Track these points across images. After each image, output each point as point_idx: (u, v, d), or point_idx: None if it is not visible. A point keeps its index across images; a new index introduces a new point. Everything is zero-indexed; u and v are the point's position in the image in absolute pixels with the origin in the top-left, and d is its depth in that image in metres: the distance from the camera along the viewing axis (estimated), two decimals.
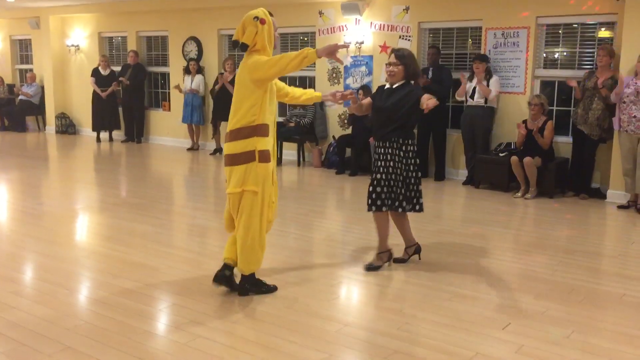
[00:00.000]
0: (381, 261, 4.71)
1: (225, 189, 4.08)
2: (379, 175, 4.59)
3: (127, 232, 5.72)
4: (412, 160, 4.60)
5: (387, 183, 4.56)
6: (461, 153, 8.58)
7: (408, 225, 4.84)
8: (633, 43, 6.93)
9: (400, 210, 4.59)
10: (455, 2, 8.51)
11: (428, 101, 4.39)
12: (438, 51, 8.55)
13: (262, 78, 3.88)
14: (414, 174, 4.62)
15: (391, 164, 4.56)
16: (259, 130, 3.90)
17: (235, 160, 3.90)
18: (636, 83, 6.67)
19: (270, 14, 4.05)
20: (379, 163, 4.60)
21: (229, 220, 4.13)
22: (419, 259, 4.91)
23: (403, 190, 4.57)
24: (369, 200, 4.62)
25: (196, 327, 3.58)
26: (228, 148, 3.95)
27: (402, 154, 4.56)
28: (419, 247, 4.91)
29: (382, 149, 4.60)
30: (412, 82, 4.63)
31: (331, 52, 3.83)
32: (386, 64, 4.68)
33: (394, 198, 4.58)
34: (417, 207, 4.68)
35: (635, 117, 6.68)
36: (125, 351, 3.26)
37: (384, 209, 4.58)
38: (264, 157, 3.91)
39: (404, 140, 4.57)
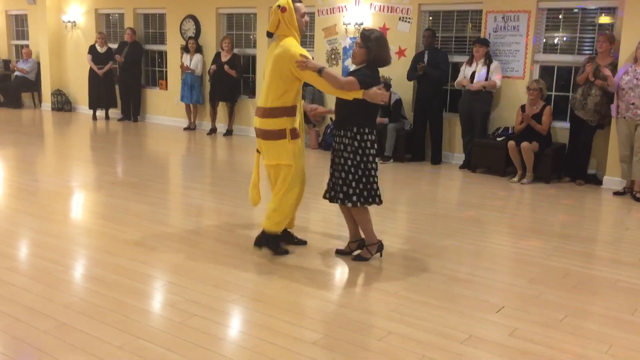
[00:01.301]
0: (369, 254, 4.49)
1: (260, 158, 4.56)
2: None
3: (123, 211, 5.71)
4: (350, 151, 4.25)
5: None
6: (458, 137, 8.57)
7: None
8: (633, 29, 6.90)
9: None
10: None
11: (313, 111, 4.63)
12: (433, 34, 8.49)
13: (307, 80, 4.25)
14: (354, 163, 4.26)
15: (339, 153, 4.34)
16: (290, 111, 4.29)
17: (268, 135, 4.31)
18: (635, 70, 6.65)
19: (297, 0, 4.31)
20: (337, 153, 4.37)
21: (254, 192, 4.64)
22: (380, 256, 4.55)
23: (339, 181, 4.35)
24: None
25: (191, 306, 3.59)
26: (261, 123, 4.34)
27: (349, 142, 4.25)
28: (362, 244, 4.53)
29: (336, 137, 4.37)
30: (378, 67, 4.33)
31: (376, 99, 4.15)
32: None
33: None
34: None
35: (633, 104, 6.67)
36: (121, 329, 3.27)
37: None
38: (294, 134, 4.32)
39: (354, 128, 4.24)
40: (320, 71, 4.18)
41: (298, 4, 4.30)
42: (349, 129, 4.25)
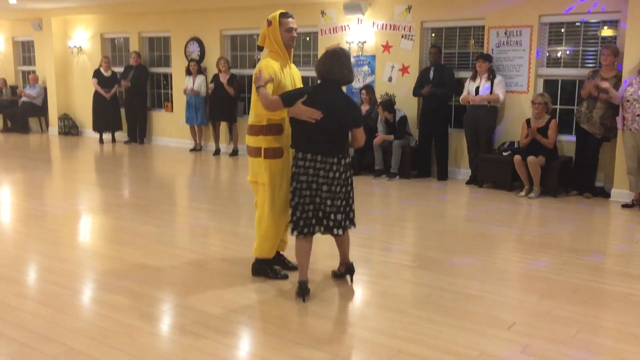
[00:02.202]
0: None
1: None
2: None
3: (130, 233, 5.71)
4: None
5: None
6: (464, 152, 8.56)
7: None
8: (636, 41, 6.91)
9: None
10: (458, 1, 8.50)
11: None
12: (439, 51, 8.53)
13: (255, 96, 4.10)
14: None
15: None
16: (266, 129, 4.16)
17: (249, 151, 4.31)
18: (639, 81, 6.64)
19: (286, 15, 4.24)
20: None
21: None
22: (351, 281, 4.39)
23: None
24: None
25: (200, 328, 3.57)
26: (246, 139, 4.34)
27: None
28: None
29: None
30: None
31: (302, 116, 3.91)
32: None
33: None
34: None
35: (639, 115, 6.65)
36: (129, 352, 3.25)
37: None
38: (269, 153, 4.16)
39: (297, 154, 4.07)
40: (258, 88, 3.99)
41: (285, 19, 4.21)
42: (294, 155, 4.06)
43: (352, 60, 9.42)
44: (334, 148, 3.92)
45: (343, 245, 4.29)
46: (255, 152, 4.22)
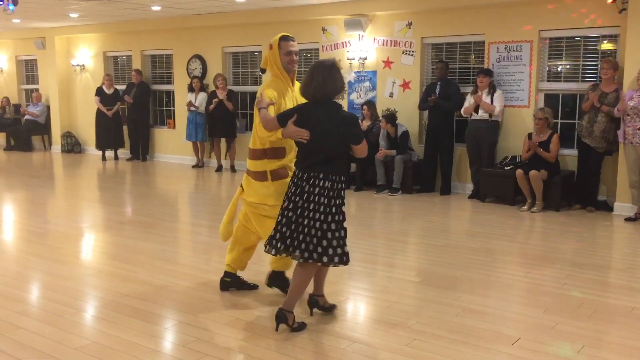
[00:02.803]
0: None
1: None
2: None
3: (133, 250, 5.71)
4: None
5: None
6: (466, 167, 8.57)
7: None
8: (636, 55, 6.94)
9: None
10: (458, 17, 8.56)
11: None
12: (446, 66, 8.56)
13: (257, 118, 4.04)
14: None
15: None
16: (270, 153, 4.09)
17: (253, 176, 4.20)
18: (639, 95, 6.66)
19: (286, 39, 4.18)
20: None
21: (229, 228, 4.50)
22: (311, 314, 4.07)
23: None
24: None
25: (203, 346, 3.56)
26: (247, 163, 4.28)
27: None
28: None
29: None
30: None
31: (291, 137, 3.79)
32: None
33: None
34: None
35: (639, 129, 6.67)
36: None
37: None
38: (275, 175, 4.11)
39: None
40: (259, 110, 3.92)
41: (285, 42, 4.14)
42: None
43: (354, 76, 9.54)
44: (325, 168, 3.69)
45: (293, 283, 3.84)
46: (260, 176, 4.12)
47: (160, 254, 5.57)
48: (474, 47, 8.71)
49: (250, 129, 11.12)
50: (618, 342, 3.65)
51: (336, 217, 3.70)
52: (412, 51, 9.01)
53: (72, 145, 13.59)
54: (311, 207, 3.67)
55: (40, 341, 3.62)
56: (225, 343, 3.62)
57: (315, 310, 4.05)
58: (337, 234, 3.69)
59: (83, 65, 13.34)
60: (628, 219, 6.90)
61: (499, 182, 7.85)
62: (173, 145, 12.10)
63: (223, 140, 10.92)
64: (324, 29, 9.84)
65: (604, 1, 7.24)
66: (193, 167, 11.33)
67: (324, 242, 3.66)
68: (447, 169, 8.62)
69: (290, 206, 3.73)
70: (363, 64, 9.47)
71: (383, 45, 9.29)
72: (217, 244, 5.95)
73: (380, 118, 8.85)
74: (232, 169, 10.78)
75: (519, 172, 7.46)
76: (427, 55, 9.05)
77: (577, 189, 7.59)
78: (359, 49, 9.46)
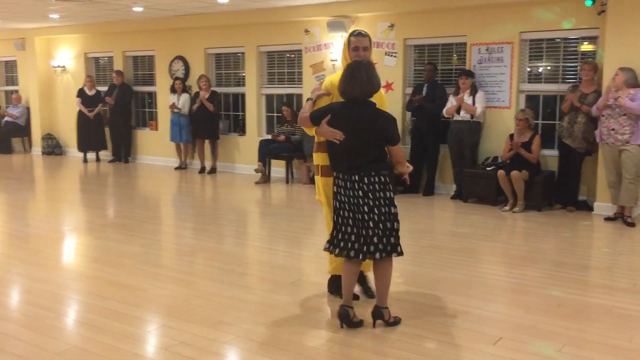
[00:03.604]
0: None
1: None
2: None
3: (115, 253, 5.66)
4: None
5: None
6: (449, 168, 8.62)
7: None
8: (614, 57, 7.03)
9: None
10: (440, 19, 8.61)
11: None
12: (435, 68, 8.57)
13: None
14: None
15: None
16: (322, 146, 4.09)
17: (314, 170, 4.34)
18: (615, 96, 6.74)
19: (353, 33, 4.13)
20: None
21: None
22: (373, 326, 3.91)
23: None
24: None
25: (186, 349, 3.54)
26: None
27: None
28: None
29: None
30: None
31: (325, 136, 3.85)
32: None
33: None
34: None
35: (613, 129, 6.75)
36: None
37: None
38: (324, 172, 4.15)
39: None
40: (307, 101, 4.09)
41: (352, 37, 4.10)
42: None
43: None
44: (363, 166, 3.71)
45: (377, 279, 3.88)
46: (315, 169, 4.29)
47: (142, 256, 5.53)
48: (456, 49, 8.77)
49: (234, 130, 11.13)
50: (598, 341, 3.70)
51: (384, 210, 3.73)
52: (395, 53, 9.05)
53: (53, 147, 13.45)
54: (360, 208, 3.71)
55: (20, 346, 3.58)
56: (207, 346, 3.60)
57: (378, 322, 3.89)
58: (388, 231, 3.74)
59: (64, 66, 13.21)
60: (608, 219, 6.98)
61: (481, 183, 7.91)
62: (156, 147, 12.02)
63: (207, 142, 10.88)
64: (306, 31, 9.84)
65: (583, 3, 7.33)
66: (176, 168, 11.27)
67: (372, 239, 3.72)
68: (431, 170, 8.66)
69: (343, 206, 3.79)
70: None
71: None
72: (201, 247, 5.94)
73: None
74: (213, 170, 10.74)
75: (501, 172, 7.53)
76: (409, 57, 9.08)
77: (558, 189, 7.67)
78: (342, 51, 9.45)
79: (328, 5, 9.28)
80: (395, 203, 3.81)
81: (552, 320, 3.99)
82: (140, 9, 10.01)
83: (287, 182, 9.74)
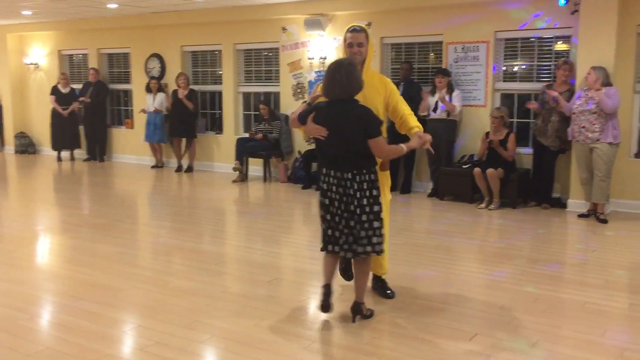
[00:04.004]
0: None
1: None
2: None
3: (90, 253, 5.60)
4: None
5: None
6: (425, 166, 8.67)
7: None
8: (587, 56, 7.13)
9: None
10: (416, 18, 8.65)
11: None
12: (411, 67, 8.62)
13: None
14: None
15: None
16: None
17: None
18: (587, 95, 6.85)
19: (348, 30, 4.10)
20: None
21: None
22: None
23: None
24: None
25: (162, 349, 3.51)
26: None
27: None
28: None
29: None
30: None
31: (311, 134, 3.90)
32: None
33: None
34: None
35: (584, 127, 6.85)
36: None
37: None
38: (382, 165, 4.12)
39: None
40: (303, 102, 4.18)
41: (347, 34, 4.08)
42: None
43: (314, 75, 9.54)
44: (347, 164, 3.77)
45: (357, 275, 3.95)
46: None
47: (118, 256, 5.47)
48: (433, 48, 8.82)
49: (211, 129, 11.07)
50: (571, 336, 3.75)
51: (367, 209, 3.76)
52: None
53: (26, 146, 13.23)
54: (345, 206, 3.76)
55: None
56: (184, 345, 3.58)
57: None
58: (371, 230, 3.78)
59: (37, 63, 13.01)
60: (581, 216, 7.09)
61: (457, 181, 7.97)
62: (131, 146, 11.90)
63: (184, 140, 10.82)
64: (284, 29, 9.82)
65: (557, 3, 7.43)
66: (152, 167, 11.17)
67: (352, 238, 3.78)
68: (408, 168, 8.71)
69: (327, 202, 3.83)
70: (323, 63, 9.48)
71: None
72: (178, 246, 5.89)
73: None
74: (190, 169, 10.67)
75: (477, 170, 7.60)
76: (386, 55, 9.12)
77: (532, 187, 7.76)
78: (319, 49, 9.47)
79: (305, 3, 9.28)
80: (380, 201, 3.83)
81: (527, 316, 4.04)
82: (115, 6, 9.90)
83: (265, 180, 9.72)
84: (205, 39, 10.65)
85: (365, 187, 3.76)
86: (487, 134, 7.81)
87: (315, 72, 9.57)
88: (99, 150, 12.01)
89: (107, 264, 5.23)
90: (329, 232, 3.87)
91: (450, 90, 8.13)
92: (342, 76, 3.74)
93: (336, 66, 3.79)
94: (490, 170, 7.47)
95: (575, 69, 7.33)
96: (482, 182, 7.59)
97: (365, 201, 3.76)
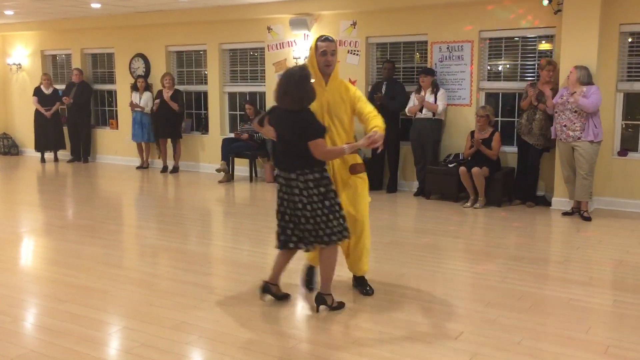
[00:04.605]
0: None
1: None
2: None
3: (75, 255, 5.55)
4: None
5: None
6: (411, 165, 8.71)
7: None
8: (570, 55, 7.19)
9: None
10: (401, 17, 8.68)
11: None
12: (393, 66, 8.63)
13: None
14: None
15: None
16: None
17: None
18: (568, 93, 6.91)
19: (320, 38, 4.20)
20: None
21: None
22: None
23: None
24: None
25: (148, 351, 3.50)
26: None
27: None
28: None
29: None
30: None
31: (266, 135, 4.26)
32: None
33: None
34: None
35: (565, 125, 6.91)
36: None
37: None
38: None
39: None
40: None
41: (320, 43, 4.16)
42: None
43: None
44: (292, 164, 3.95)
45: (320, 266, 4.12)
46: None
47: (103, 258, 5.43)
48: (418, 47, 8.85)
49: (196, 129, 11.02)
50: (556, 333, 3.79)
51: (315, 206, 3.93)
52: (357, 51, 9.09)
53: (9, 147, 13.09)
54: (295, 205, 3.97)
55: None
56: (170, 347, 3.56)
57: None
58: (317, 225, 3.95)
59: (19, 64, 12.87)
60: (565, 213, 7.15)
61: (443, 180, 8.01)
62: (116, 146, 11.82)
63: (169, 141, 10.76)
64: (269, 28, 9.80)
65: (540, 3, 7.48)
66: (137, 168, 11.10)
67: (301, 233, 4.02)
68: (393, 167, 8.73)
69: (278, 201, 4.10)
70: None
71: None
72: (164, 247, 5.86)
73: None
74: (175, 169, 10.62)
75: (462, 169, 7.64)
76: (372, 55, 9.14)
77: (517, 185, 7.82)
78: (305, 49, 9.46)
79: (290, 3, 9.27)
80: (332, 195, 3.98)
81: (512, 314, 4.07)
82: (98, 6, 9.82)
83: (251, 180, 9.70)
84: (190, 39, 10.60)
85: (311, 185, 3.93)
86: (472, 132, 7.85)
87: None
88: (83, 151, 11.92)
89: (92, 265, 5.19)
90: (281, 229, 4.09)
91: (435, 89, 8.16)
92: (293, 89, 3.85)
93: (287, 79, 3.90)
94: (475, 169, 7.52)
95: (558, 68, 7.40)
96: (467, 181, 7.64)
97: (313, 198, 3.93)
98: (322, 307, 4.08)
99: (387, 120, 8.47)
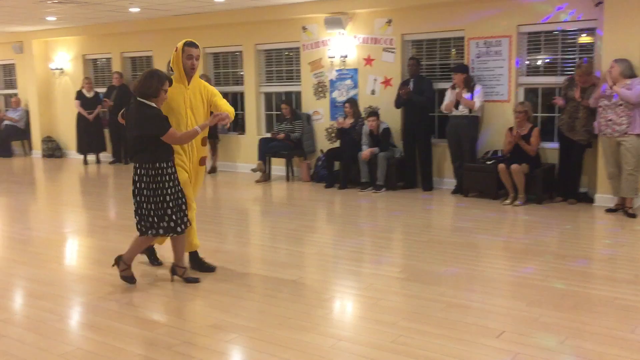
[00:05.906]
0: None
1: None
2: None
3: (117, 254, 5.65)
4: None
5: None
6: (448, 162, 8.62)
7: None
8: (612, 49, 7.01)
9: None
10: (437, 14, 8.59)
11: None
12: (418, 62, 8.60)
13: None
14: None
15: None
16: None
17: None
18: (611, 87, 6.74)
19: (188, 44, 4.76)
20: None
21: None
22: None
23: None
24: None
25: (189, 348, 3.55)
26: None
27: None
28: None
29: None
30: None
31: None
32: None
33: None
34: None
35: (610, 120, 6.74)
36: None
37: None
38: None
39: None
40: None
41: (189, 47, 4.71)
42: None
43: (335, 74, 9.52)
44: (134, 157, 4.57)
45: (172, 246, 4.72)
46: None
47: (144, 257, 5.52)
48: (454, 43, 8.76)
49: (234, 129, 11.13)
50: (600, 332, 3.70)
51: (151, 199, 4.44)
52: (393, 48, 9.04)
53: (53, 150, 13.46)
54: (138, 192, 4.49)
55: (23, 349, 3.58)
56: (211, 345, 3.60)
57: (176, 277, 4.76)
58: (160, 212, 4.47)
59: (62, 68, 13.22)
60: (609, 210, 6.98)
61: (482, 177, 7.91)
62: None
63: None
64: (304, 28, 9.83)
65: None
66: None
67: (152, 221, 4.51)
68: (426, 165, 8.66)
69: (133, 193, 4.58)
70: (344, 62, 9.48)
71: (363, 42, 9.31)
72: (202, 246, 5.92)
73: (363, 116, 8.91)
74: (213, 170, 10.73)
75: (501, 166, 7.52)
76: (407, 52, 9.08)
77: (558, 182, 7.66)
78: (340, 47, 9.46)
79: (325, 2, 9.28)
80: (167, 192, 4.44)
81: (555, 313, 3.99)
82: (136, 10, 10.01)
83: (288, 180, 9.75)
84: (226, 40, 10.71)
85: (145, 179, 4.44)
86: (511, 128, 7.73)
87: (337, 70, 9.57)
88: (123, 153, 12.16)
89: (133, 264, 5.28)
90: (137, 217, 4.59)
91: (470, 86, 8.06)
92: (144, 80, 4.43)
93: (146, 73, 4.51)
94: (514, 166, 7.40)
95: (599, 63, 7.22)
96: (506, 178, 7.52)
97: (145, 192, 4.44)
98: (174, 276, 4.71)
99: (416, 117, 8.58)
